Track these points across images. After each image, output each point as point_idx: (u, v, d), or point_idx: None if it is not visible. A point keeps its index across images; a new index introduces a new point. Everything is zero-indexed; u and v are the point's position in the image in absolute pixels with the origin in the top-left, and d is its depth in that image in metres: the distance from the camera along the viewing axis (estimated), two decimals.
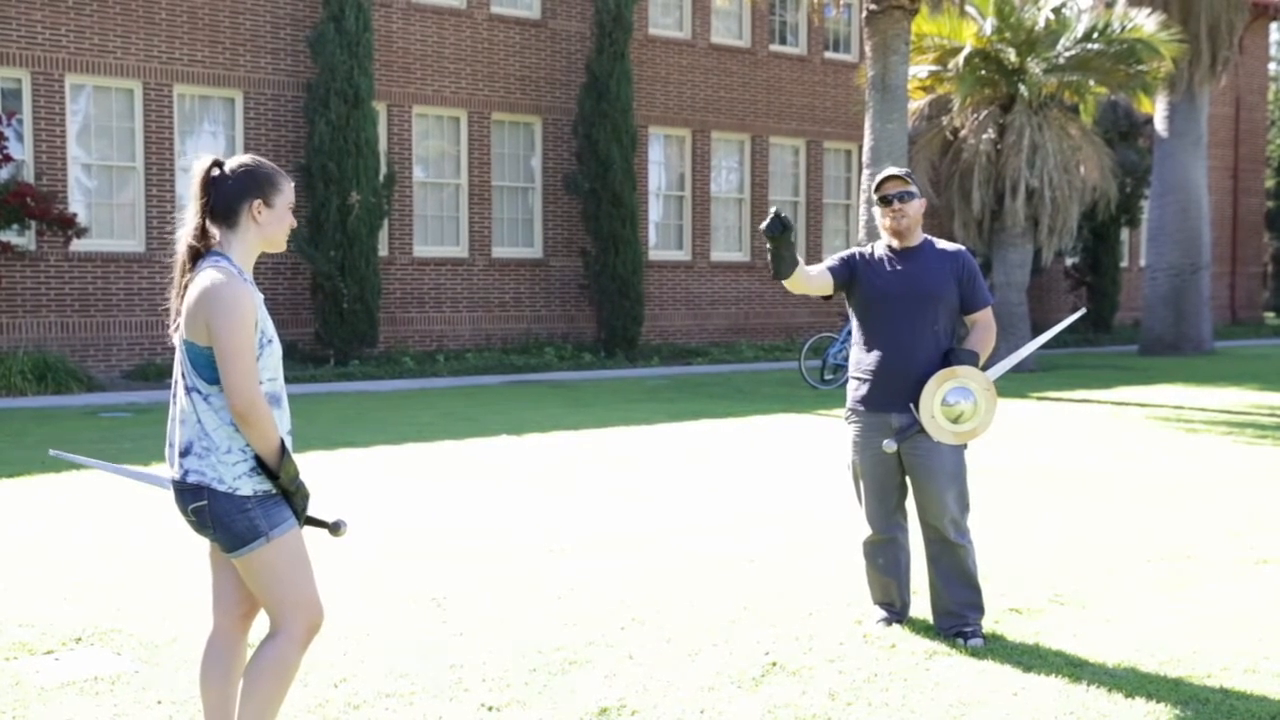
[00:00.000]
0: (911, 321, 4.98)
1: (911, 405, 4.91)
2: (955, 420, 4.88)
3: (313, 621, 3.41)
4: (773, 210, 4.89)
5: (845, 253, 5.21)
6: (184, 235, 3.38)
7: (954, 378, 4.90)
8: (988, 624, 5.16)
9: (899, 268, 5.04)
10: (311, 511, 3.46)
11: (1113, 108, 25.34)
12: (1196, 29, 21.97)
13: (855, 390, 5.11)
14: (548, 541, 6.81)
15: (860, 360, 5.11)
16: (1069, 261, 27.21)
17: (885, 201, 5.02)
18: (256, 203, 3.37)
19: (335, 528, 3.47)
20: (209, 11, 16.99)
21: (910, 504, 5.17)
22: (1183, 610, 5.45)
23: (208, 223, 3.38)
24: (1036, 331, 24.55)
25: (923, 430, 4.90)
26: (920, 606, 5.31)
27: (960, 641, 4.91)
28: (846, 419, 5.18)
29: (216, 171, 3.37)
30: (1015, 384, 16.64)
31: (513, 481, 8.79)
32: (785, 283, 5.01)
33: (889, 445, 4.90)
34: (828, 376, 16.26)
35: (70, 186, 16.09)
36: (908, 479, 5.09)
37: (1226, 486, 8.71)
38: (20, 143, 15.64)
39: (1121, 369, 19.70)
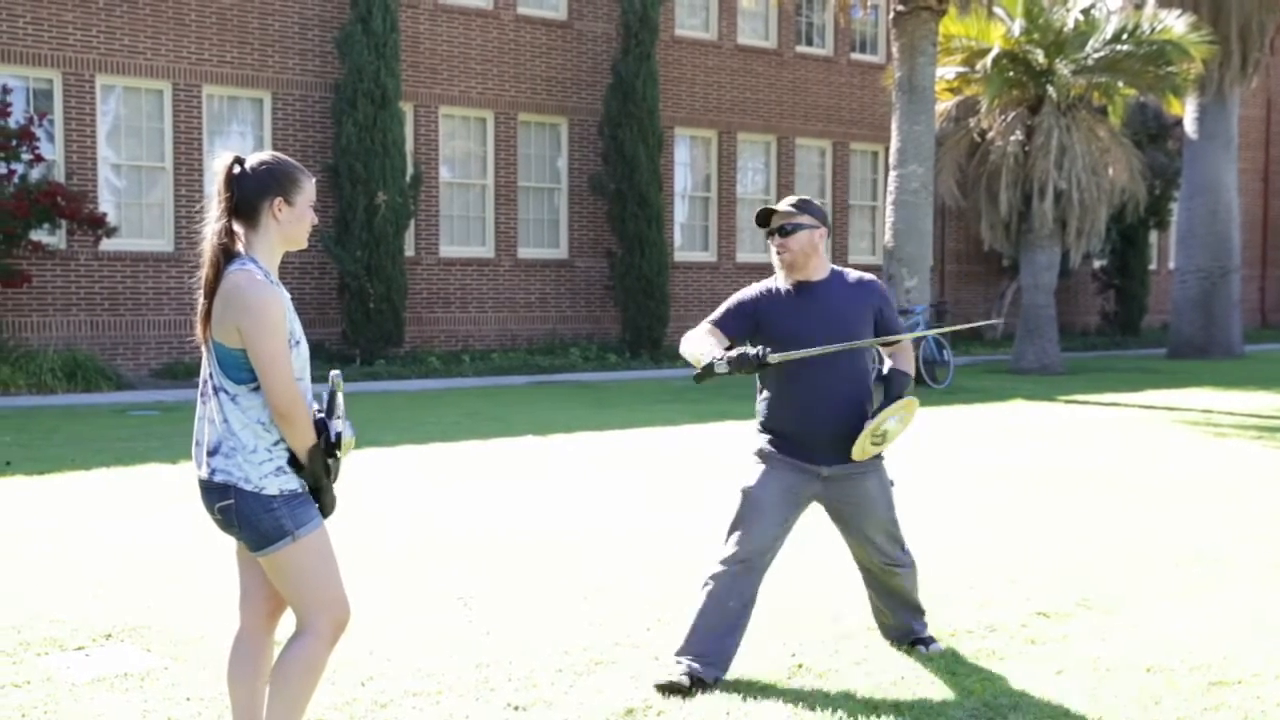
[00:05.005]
0: (831, 363, 4.56)
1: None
2: (880, 441, 4.56)
3: (340, 620, 3.42)
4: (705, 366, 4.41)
5: (740, 298, 4.71)
6: (211, 234, 3.36)
7: (900, 409, 4.56)
8: (1015, 627, 5.15)
9: (809, 305, 4.60)
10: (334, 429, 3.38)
11: (1142, 109, 25.18)
12: (1227, 30, 21.81)
13: (772, 440, 4.65)
14: (573, 541, 6.81)
15: (774, 410, 4.66)
16: (1097, 264, 27.03)
17: (769, 234, 4.64)
18: (277, 200, 3.37)
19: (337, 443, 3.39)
20: (237, 13, 17.09)
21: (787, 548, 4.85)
22: (1212, 615, 5.41)
23: (232, 220, 3.37)
24: (1064, 334, 24.43)
25: None
26: (933, 613, 5.29)
27: (921, 650, 4.80)
28: (760, 456, 4.67)
29: (238, 168, 3.37)
30: (1043, 387, 16.56)
31: (538, 481, 8.80)
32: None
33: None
34: None
35: (100, 186, 16.21)
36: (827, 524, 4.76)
37: (1255, 490, 8.64)
38: (51, 143, 15.77)
39: (1150, 372, 19.57)
